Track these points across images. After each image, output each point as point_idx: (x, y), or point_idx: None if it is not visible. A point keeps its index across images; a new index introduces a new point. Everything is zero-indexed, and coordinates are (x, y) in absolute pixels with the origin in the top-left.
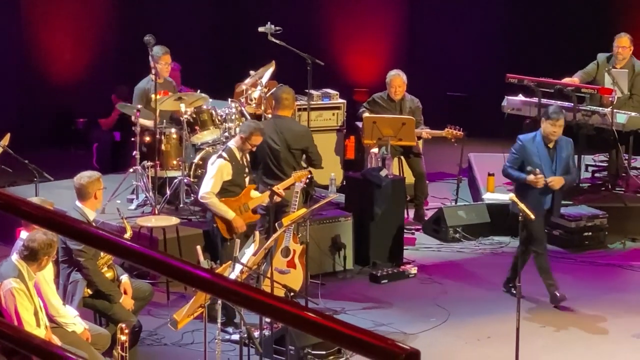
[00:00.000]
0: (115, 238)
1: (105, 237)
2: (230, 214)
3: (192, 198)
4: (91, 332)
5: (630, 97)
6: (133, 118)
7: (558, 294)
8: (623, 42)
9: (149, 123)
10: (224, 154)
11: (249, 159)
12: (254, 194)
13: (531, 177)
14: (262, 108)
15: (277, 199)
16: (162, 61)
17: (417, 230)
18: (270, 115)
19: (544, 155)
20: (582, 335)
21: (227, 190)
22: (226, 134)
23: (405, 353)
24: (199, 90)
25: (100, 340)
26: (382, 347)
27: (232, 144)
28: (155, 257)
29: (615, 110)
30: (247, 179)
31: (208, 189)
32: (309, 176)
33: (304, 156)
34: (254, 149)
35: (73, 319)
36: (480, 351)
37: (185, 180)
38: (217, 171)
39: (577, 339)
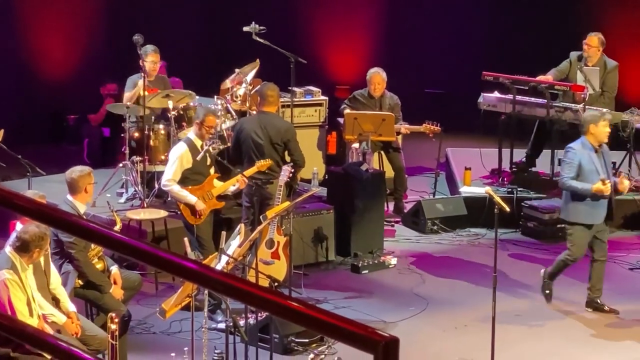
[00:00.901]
0: (105, 230)
1: (95, 230)
2: (191, 198)
3: (156, 188)
4: (87, 331)
5: (602, 94)
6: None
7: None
8: (593, 41)
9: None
10: (183, 143)
11: (211, 150)
12: (218, 182)
13: (599, 185)
14: (247, 105)
15: (242, 184)
16: (148, 59)
17: (397, 222)
18: (255, 112)
19: (596, 161)
20: (555, 323)
21: (190, 179)
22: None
23: (384, 340)
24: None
25: (93, 340)
26: (362, 334)
27: (191, 133)
28: (144, 248)
29: (587, 107)
30: (211, 169)
31: (169, 176)
32: (292, 170)
33: (287, 153)
34: (212, 132)
35: (51, 310)
36: (458, 339)
37: None
38: (177, 159)
39: (550, 327)
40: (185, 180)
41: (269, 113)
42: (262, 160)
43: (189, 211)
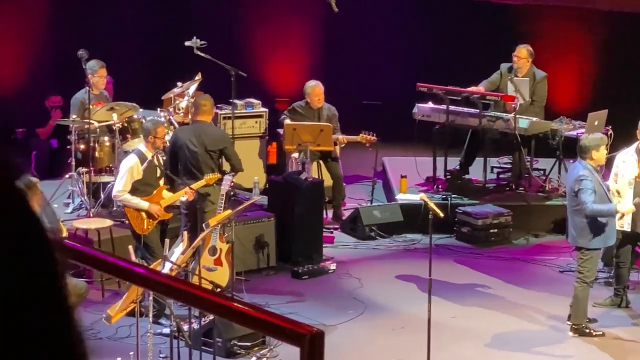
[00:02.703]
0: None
1: None
2: (143, 204)
3: (102, 198)
4: None
5: (531, 103)
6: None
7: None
8: (522, 53)
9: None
10: (134, 155)
11: (161, 161)
12: (167, 194)
13: (629, 206)
14: (190, 117)
15: (191, 196)
16: (97, 74)
17: (336, 229)
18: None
19: (603, 183)
20: (489, 324)
21: (139, 190)
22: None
23: (310, 333)
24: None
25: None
26: (289, 328)
27: (142, 145)
28: (95, 255)
29: (517, 116)
30: (160, 180)
31: (120, 187)
32: (233, 180)
33: (224, 158)
34: (166, 144)
35: None
36: (395, 341)
37: None
38: (128, 171)
39: (484, 328)
40: (135, 191)
41: (203, 122)
42: (210, 174)
43: (138, 221)
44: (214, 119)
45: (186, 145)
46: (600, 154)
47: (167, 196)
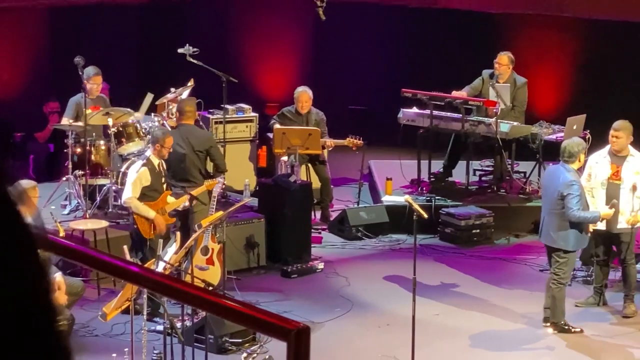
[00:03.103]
0: (54, 238)
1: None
2: (151, 214)
3: (97, 200)
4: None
5: (512, 108)
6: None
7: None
8: (503, 60)
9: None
10: (143, 162)
11: (165, 167)
12: (170, 199)
13: (608, 211)
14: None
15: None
16: (91, 81)
17: (323, 229)
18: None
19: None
20: (471, 321)
21: (146, 195)
22: (150, 145)
23: (296, 328)
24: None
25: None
26: (276, 323)
27: (149, 153)
28: (90, 254)
29: (499, 120)
30: (164, 185)
31: (130, 194)
32: (224, 182)
33: (209, 159)
34: (171, 150)
35: None
36: (381, 337)
37: (113, 188)
38: (137, 178)
39: (466, 325)
40: (142, 196)
41: (188, 125)
42: (209, 180)
43: (145, 227)
44: (207, 123)
45: (174, 149)
46: (583, 158)
47: (171, 201)
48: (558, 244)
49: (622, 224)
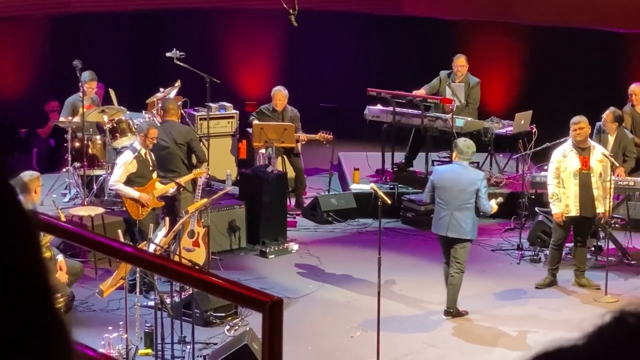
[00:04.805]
0: (55, 222)
1: (47, 221)
2: (134, 193)
3: (94, 189)
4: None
5: (467, 105)
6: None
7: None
8: (460, 61)
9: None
10: (129, 151)
11: (153, 157)
12: (159, 185)
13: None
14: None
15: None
16: (87, 85)
17: (298, 215)
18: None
19: None
20: (431, 296)
21: (134, 182)
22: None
23: (270, 300)
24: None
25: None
26: (251, 296)
27: (136, 143)
28: (89, 236)
29: (454, 116)
30: (153, 173)
31: (116, 178)
32: (209, 173)
33: (191, 152)
34: (155, 142)
35: None
36: (349, 311)
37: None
38: (123, 164)
39: (426, 299)
40: (131, 182)
41: (171, 121)
42: (197, 169)
43: (134, 208)
44: (192, 120)
45: (159, 143)
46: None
47: (159, 187)
48: (467, 235)
49: (600, 209)
